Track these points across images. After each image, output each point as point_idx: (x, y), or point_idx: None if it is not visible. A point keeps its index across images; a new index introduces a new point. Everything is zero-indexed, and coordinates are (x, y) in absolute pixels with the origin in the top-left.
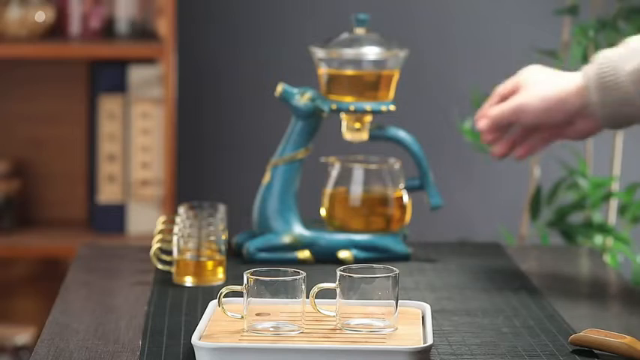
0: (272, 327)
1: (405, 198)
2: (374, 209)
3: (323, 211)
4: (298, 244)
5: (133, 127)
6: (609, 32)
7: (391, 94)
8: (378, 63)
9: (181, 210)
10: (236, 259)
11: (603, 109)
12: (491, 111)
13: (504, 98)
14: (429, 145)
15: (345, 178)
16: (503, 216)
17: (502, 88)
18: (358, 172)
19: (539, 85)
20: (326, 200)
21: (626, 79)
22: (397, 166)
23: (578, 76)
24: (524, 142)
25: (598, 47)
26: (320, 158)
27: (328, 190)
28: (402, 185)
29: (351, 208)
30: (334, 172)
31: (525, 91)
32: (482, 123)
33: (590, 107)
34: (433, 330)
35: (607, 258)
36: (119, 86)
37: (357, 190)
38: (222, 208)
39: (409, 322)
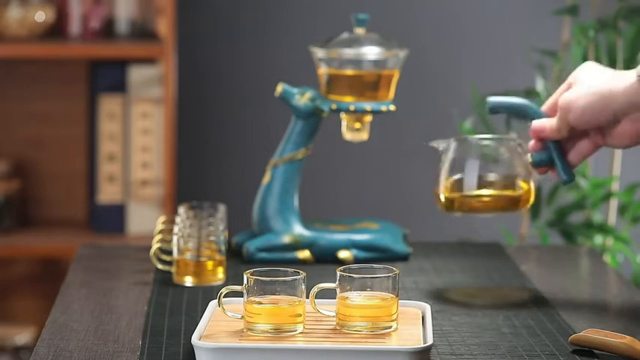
0: (272, 327)
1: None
2: (502, 190)
3: (442, 197)
4: (298, 244)
5: (133, 127)
6: (609, 32)
7: (391, 94)
8: (378, 63)
9: (181, 210)
10: (236, 259)
11: None
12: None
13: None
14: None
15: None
16: (503, 216)
17: (557, 93)
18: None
19: (587, 82)
20: (448, 185)
21: None
22: (520, 141)
23: (631, 74)
24: (572, 148)
25: (598, 47)
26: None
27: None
28: (529, 160)
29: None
30: (450, 155)
31: (574, 88)
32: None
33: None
34: (433, 330)
35: (607, 258)
36: (119, 86)
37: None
38: (222, 208)
39: (409, 322)
